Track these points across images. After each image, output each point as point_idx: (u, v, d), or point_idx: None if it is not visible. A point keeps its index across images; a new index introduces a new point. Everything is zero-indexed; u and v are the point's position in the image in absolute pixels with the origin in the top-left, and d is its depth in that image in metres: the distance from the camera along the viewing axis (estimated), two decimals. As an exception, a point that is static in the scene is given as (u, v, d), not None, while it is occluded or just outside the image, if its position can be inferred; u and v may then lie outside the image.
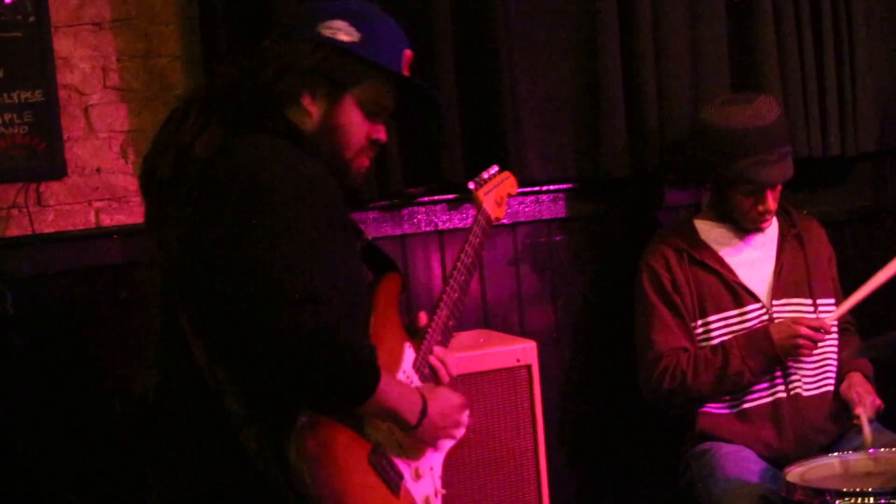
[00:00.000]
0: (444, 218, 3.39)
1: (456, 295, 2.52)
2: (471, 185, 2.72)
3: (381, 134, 2.28)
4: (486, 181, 2.76)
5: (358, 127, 2.23)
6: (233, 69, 2.22)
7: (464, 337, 3.29)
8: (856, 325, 3.38)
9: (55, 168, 2.98)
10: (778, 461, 3.04)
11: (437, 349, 2.45)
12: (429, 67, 3.23)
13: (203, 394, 2.06)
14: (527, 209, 3.50)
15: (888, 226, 3.96)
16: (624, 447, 3.60)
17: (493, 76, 3.31)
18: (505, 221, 3.43)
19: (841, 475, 2.82)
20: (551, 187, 3.53)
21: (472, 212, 3.38)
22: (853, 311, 3.23)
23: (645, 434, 3.56)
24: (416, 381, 2.36)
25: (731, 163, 3.15)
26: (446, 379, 2.45)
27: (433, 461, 2.38)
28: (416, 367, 2.38)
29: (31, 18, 2.96)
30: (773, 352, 3.06)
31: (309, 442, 2.03)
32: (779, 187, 3.22)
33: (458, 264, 2.56)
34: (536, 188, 3.50)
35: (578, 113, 3.50)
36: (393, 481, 2.22)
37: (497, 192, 2.77)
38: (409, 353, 2.37)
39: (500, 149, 3.32)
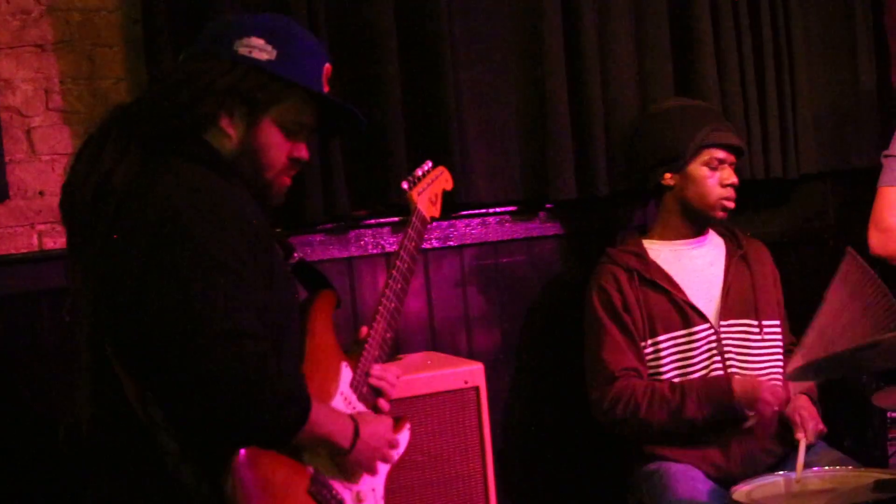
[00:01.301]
0: (391, 240, 3.38)
1: (393, 304, 2.48)
2: (404, 185, 2.66)
3: (302, 152, 2.26)
4: (419, 179, 2.70)
5: (278, 147, 2.21)
6: (150, 91, 2.21)
7: (411, 359, 3.28)
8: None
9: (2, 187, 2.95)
10: (725, 481, 3.05)
11: (376, 368, 2.42)
12: (376, 88, 3.24)
13: (136, 429, 2.04)
14: (473, 231, 3.50)
15: (830, 247, 4.01)
16: (572, 468, 3.60)
17: (439, 98, 3.31)
18: (452, 243, 3.45)
19: (787, 494, 2.84)
20: (498, 209, 3.53)
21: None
22: (796, 332, 3.26)
23: (593, 455, 3.56)
24: (355, 401, 2.35)
25: (690, 134, 3.24)
26: (389, 396, 2.45)
27: (375, 483, 2.37)
28: (354, 386, 2.36)
29: (-27, 40, 2.93)
30: (731, 405, 3.06)
31: (246, 476, 2.01)
32: (734, 176, 3.28)
33: (394, 272, 2.51)
34: (483, 210, 3.51)
35: (525, 135, 3.51)
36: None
37: (431, 189, 2.72)
38: (345, 373, 2.35)
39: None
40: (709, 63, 3.69)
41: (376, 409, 2.43)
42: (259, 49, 2.17)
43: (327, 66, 2.27)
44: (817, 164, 3.92)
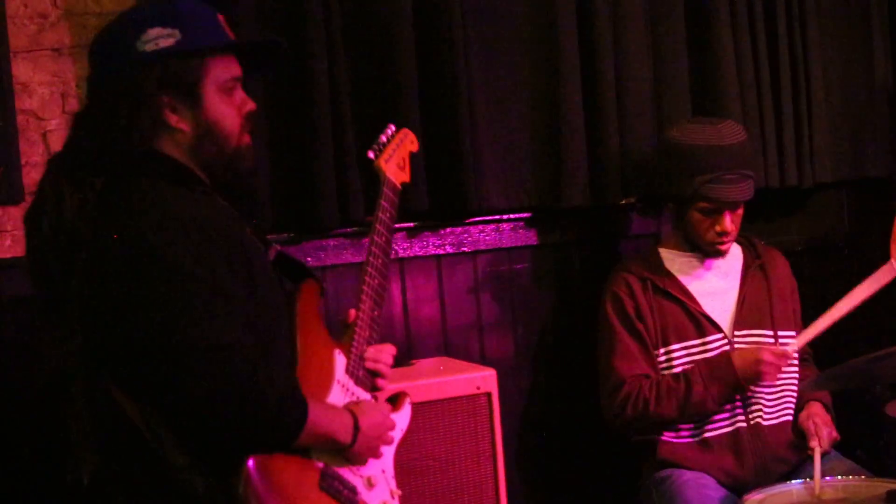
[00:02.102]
0: (405, 245, 3.39)
1: (376, 281, 2.46)
2: (370, 154, 2.60)
3: (249, 105, 2.26)
4: (385, 146, 2.64)
5: (229, 111, 2.21)
6: (82, 130, 2.18)
7: (424, 364, 3.29)
8: (813, 355, 3.40)
9: (13, 193, 2.95)
10: (738, 489, 3.05)
11: (370, 351, 2.43)
12: (392, 97, 3.24)
13: (144, 449, 2.05)
14: (487, 237, 3.51)
15: (845, 255, 4.00)
16: (584, 475, 3.60)
17: (454, 105, 3.31)
18: (465, 249, 3.45)
19: (799, 503, 2.83)
20: (512, 216, 3.53)
21: (432, 239, 3.40)
22: (811, 342, 3.25)
23: (605, 461, 3.56)
24: (352, 386, 2.36)
25: (689, 179, 3.18)
26: (387, 375, 2.46)
27: (384, 464, 2.39)
28: (350, 371, 2.37)
29: (-10, 44, 2.94)
30: (735, 379, 3.06)
31: (258, 483, 2.02)
32: (739, 211, 3.23)
33: (373, 248, 2.48)
34: (497, 217, 3.51)
35: (539, 142, 3.51)
36: (348, 500, 2.22)
37: (398, 154, 2.66)
38: (339, 360, 2.36)
39: (460, 177, 3.32)
40: (726, 72, 3.68)
41: (375, 389, 2.45)
42: (162, 37, 2.14)
43: (220, 15, 2.26)
44: (832, 173, 3.91)
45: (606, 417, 3.21)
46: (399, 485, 2.44)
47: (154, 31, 2.14)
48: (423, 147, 3.28)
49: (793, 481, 2.93)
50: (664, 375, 3.15)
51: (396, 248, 3.37)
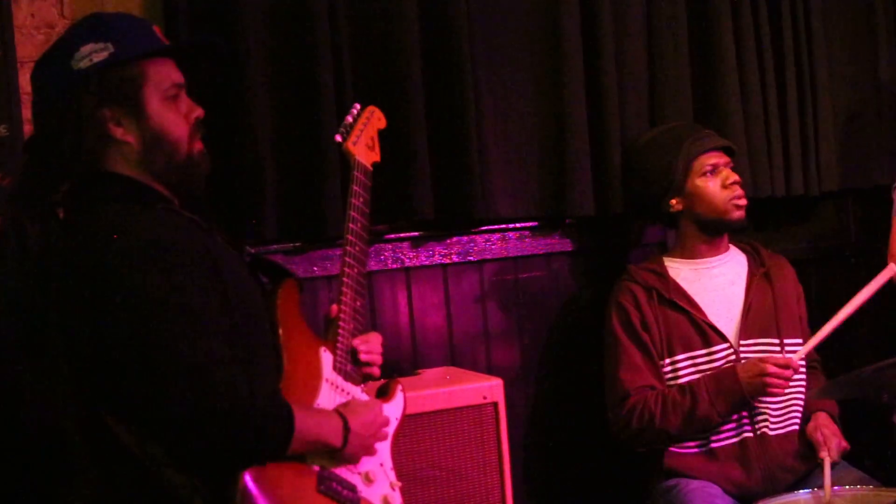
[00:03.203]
0: (411, 255, 3.39)
1: (355, 270, 2.43)
2: (337, 138, 2.53)
3: (197, 111, 2.24)
4: (352, 126, 2.56)
5: (174, 119, 2.19)
6: (31, 161, 2.17)
7: (430, 374, 3.28)
8: (821, 363, 3.40)
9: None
10: (744, 499, 3.05)
11: (358, 343, 2.42)
12: (399, 107, 3.25)
13: (140, 472, 2.05)
14: (493, 246, 3.50)
15: (852, 264, 3.99)
16: (590, 484, 3.59)
17: (460, 115, 3.32)
18: (471, 258, 3.45)
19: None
20: (517, 225, 3.53)
21: (438, 249, 3.40)
22: (818, 349, 3.25)
23: (611, 471, 3.55)
24: (341, 382, 2.35)
25: (677, 151, 3.27)
26: (378, 364, 2.46)
27: (381, 457, 2.38)
28: (337, 368, 2.36)
29: (-3, 53, 2.95)
30: (741, 392, 3.04)
31: (255, 494, 2.02)
32: (734, 174, 3.28)
33: (349, 236, 2.45)
34: (503, 226, 3.51)
35: (545, 152, 3.51)
36: (348, 499, 2.22)
37: (366, 134, 2.59)
38: (326, 358, 2.35)
39: (466, 186, 3.32)
40: (729, 80, 3.68)
41: (367, 378, 2.44)
42: (95, 52, 2.13)
43: (154, 26, 2.25)
44: (839, 182, 3.91)
45: (613, 430, 3.20)
46: (403, 487, 2.44)
47: (87, 48, 2.13)
48: (429, 156, 3.29)
49: (800, 491, 2.92)
50: (670, 388, 3.14)
51: (402, 256, 3.38)
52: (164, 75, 2.19)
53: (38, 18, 3.02)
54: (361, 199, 2.49)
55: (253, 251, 2.38)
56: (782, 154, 3.78)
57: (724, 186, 3.25)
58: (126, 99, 2.14)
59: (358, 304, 2.43)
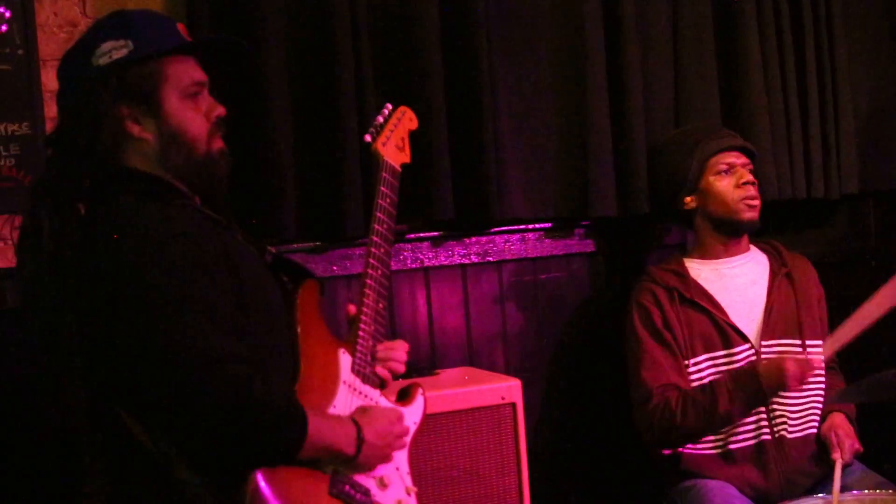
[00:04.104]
0: (430, 255, 3.39)
1: (379, 272, 2.40)
2: (367, 138, 2.51)
3: (219, 109, 2.24)
4: (382, 127, 2.54)
5: (193, 116, 2.19)
6: (54, 147, 2.18)
7: (449, 374, 3.28)
8: (839, 364, 3.39)
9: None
10: (762, 501, 3.04)
11: (381, 350, 2.40)
12: (419, 107, 3.24)
13: (153, 469, 2.05)
14: (512, 247, 3.50)
15: (872, 267, 3.98)
16: (608, 485, 3.59)
17: (479, 114, 3.32)
18: (490, 259, 3.46)
19: (825, 516, 2.82)
20: (537, 225, 3.53)
21: (457, 249, 3.41)
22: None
23: (629, 472, 3.55)
24: (359, 385, 2.32)
25: (691, 153, 3.29)
26: (397, 371, 2.42)
27: (397, 461, 2.35)
28: (356, 370, 2.33)
29: (20, 52, 2.96)
30: (759, 389, 3.02)
31: (267, 494, 2.01)
32: (749, 174, 3.27)
33: (374, 237, 2.42)
34: (522, 226, 3.51)
35: (565, 151, 3.50)
36: (362, 503, 2.21)
37: (396, 135, 2.56)
38: (344, 360, 2.32)
39: (486, 187, 3.32)
40: (753, 82, 3.67)
41: (384, 385, 2.41)
42: (114, 49, 2.14)
43: (180, 24, 2.26)
44: (859, 184, 3.89)
45: (638, 431, 3.19)
46: (419, 496, 2.41)
47: (107, 45, 2.15)
48: (449, 156, 3.29)
49: (818, 495, 2.91)
50: (692, 388, 3.13)
51: (422, 256, 3.38)
52: (183, 73, 2.19)
53: (61, 17, 3.04)
54: (388, 200, 2.46)
55: (274, 251, 2.37)
56: (803, 156, 3.77)
57: (737, 186, 3.25)
58: (144, 96, 2.15)
59: (380, 306, 2.40)
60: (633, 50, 3.52)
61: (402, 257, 3.35)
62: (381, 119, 2.55)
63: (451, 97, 3.31)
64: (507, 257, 3.50)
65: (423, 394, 2.51)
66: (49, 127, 3.00)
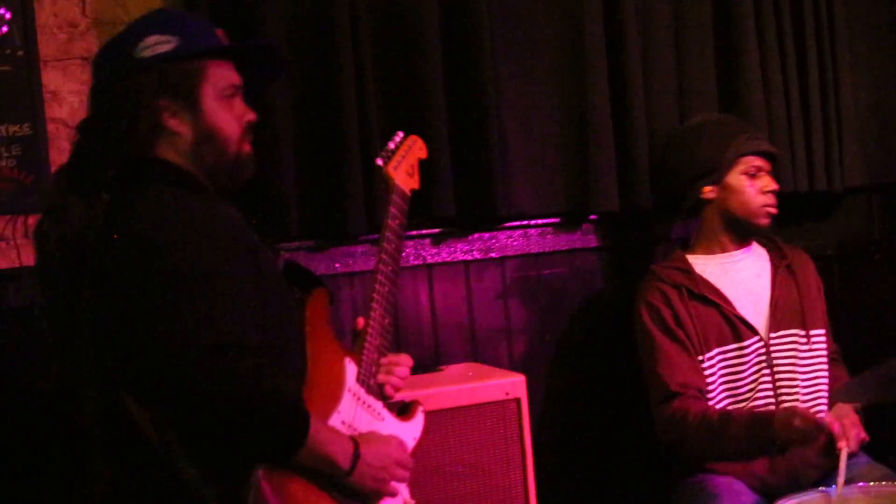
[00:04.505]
0: (433, 252, 3.39)
1: (386, 288, 2.45)
2: (379, 162, 2.57)
3: (249, 115, 2.28)
4: (393, 153, 2.61)
5: (227, 117, 2.23)
6: (84, 139, 2.20)
7: (452, 370, 3.29)
8: (841, 354, 3.38)
9: (43, 201, 2.96)
10: (769, 494, 3.03)
11: (385, 359, 2.42)
12: (420, 103, 3.25)
13: (154, 460, 2.05)
14: (515, 243, 3.50)
15: (875, 260, 3.97)
16: (614, 480, 3.58)
17: (482, 110, 3.32)
18: (493, 255, 3.45)
19: (832, 509, 2.81)
20: (539, 221, 3.53)
21: (459, 245, 3.41)
22: (837, 339, 3.23)
23: (635, 466, 3.54)
24: (363, 395, 2.33)
25: (727, 144, 3.26)
26: (392, 391, 2.43)
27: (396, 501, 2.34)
28: (361, 380, 2.35)
29: (20, 52, 2.97)
30: (770, 437, 2.95)
31: (269, 495, 2.01)
32: (774, 182, 3.27)
33: (383, 255, 2.47)
34: (525, 222, 3.51)
35: (568, 147, 3.50)
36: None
37: (407, 161, 2.63)
38: (350, 369, 2.34)
39: (488, 182, 3.32)
40: (753, 75, 3.67)
41: (385, 398, 2.42)
42: (159, 44, 2.18)
43: (219, 30, 2.30)
44: (862, 177, 3.88)
45: (656, 430, 3.16)
46: (422, 492, 2.42)
47: (152, 38, 2.18)
48: (451, 153, 3.29)
49: (825, 488, 2.90)
50: (711, 411, 3.06)
51: (424, 253, 3.38)
52: (222, 75, 2.24)
53: (61, 18, 3.04)
54: (398, 222, 2.52)
55: (287, 256, 2.39)
56: (805, 149, 3.77)
57: (763, 192, 3.24)
58: (184, 92, 2.19)
59: (387, 321, 2.44)
60: (634, 46, 3.52)
61: (404, 254, 3.35)
62: (392, 145, 2.62)
63: (453, 92, 3.30)
64: (510, 253, 3.50)
65: (423, 411, 2.52)
66: (50, 128, 3.01)
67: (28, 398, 2.92)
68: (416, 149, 2.70)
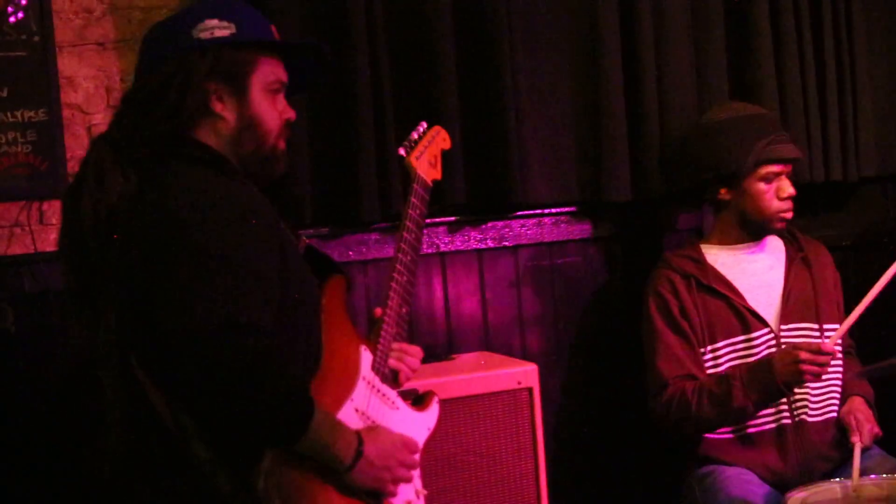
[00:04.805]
0: (446, 240, 3.39)
1: (404, 277, 2.44)
2: (401, 151, 2.56)
3: (290, 113, 2.31)
4: (416, 143, 2.60)
5: (271, 111, 2.26)
6: (129, 109, 2.22)
7: (465, 359, 3.29)
8: (856, 348, 3.37)
9: (58, 187, 2.98)
10: (781, 485, 3.03)
11: (396, 346, 2.41)
12: (433, 90, 3.25)
13: (167, 440, 2.06)
14: (528, 232, 3.50)
15: (891, 251, 3.95)
16: (625, 470, 3.59)
17: (496, 100, 3.31)
18: (507, 244, 3.45)
19: (842, 501, 2.80)
20: (553, 210, 3.53)
21: (473, 234, 3.40)
22: (853, 334, 3.22)
23: (646, 457, 3.54)
24: (378, 383, 2.33)
25: (750, 146, 3.19)
26: (405, 379, 2.43)
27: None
28: (375, 368, 2.34)
29: (36, 38, 2.97)
30: (775, 382, 2.98)
31: (281, 477, 2.01)
32: (791, 186, 3.23)
33: (402, 244, 2.46)
34: (538, 211, 3.50)
35: (581, 137, 3.50)
36: (373, 497, 2.18)
37: (430, 151, 2.62)
38: (365, 356, 2.33)
39: (502, 171, 3.32)
40: (767, 64, 3.65)
41: (399, 385, 2.42)
42: (218, 28, 2.21)
43: (272, 26, 2.32)
44: (878, 168, 3.87)
45: (654, 420, 3.18)
46: (434, 481, 2.41)
47: (211, 22, 2.21)
48: (464, 141, 3.29)
49: (834, 480, 2.90)
50: (708, 377, 3.12)
51: (438, 241, 3.38)
52: (271, 69, 2.27)
53: (76, 3, 3.05)
54: (418, 212, 2.51)
55: (308, 242, 2.39)
56: (821, 140, 3.75)
57: (780, 198, 3.22)
58: (234, 78, 2.21)
59: (404, 310, 2.43)
60: (648, 35, 3.50)
61: (418, 242, 3.35)
62: (415, 135, 2.61)
63: (468, 84, 3.30)
64: (524, 242, 3.50)
65: (438, 402, 2.51)
66: (66, 113, 3.01)
67: (43, 383, 2.94)
68: (440, 139, 2.70)
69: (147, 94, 2.19)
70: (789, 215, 3.24)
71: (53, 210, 3.00)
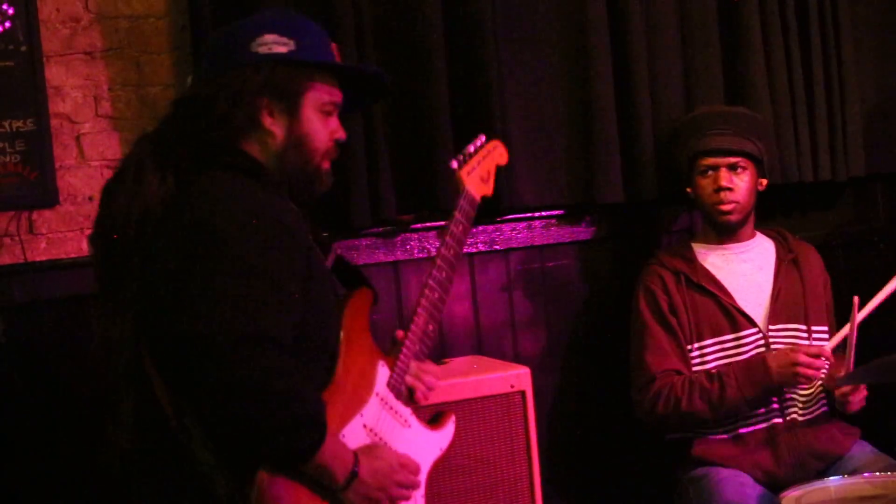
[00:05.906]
0: (437, 244, 3.38)
1: (436, 294, 2.40)
2: (453, 164, 2.53)
3: (341, 133, 2.31)
4: (470, 156, 2.56)
5: (321, 131, 2.26)
6: (179, 113, 2.23)
7: (457, 363, 3.28)
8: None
9: (47, 196, 2.98)
10: (774, 486, 3.03)
11: (413, 364, 2.37)
12: (422, 94, 3.24)
13: (172, 442, 2.06)
14: (519, 235, 3.50)
15: (879, 249, 3.97)
16: (619, 472, 3.59)
17: (485, 101, 3.31)
18: (497, 247, 3.45)
19: (836, 500, 2.81)
20: (543, 213, 3.53)
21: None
22: (841, 328, 3.22)
23: (640, 459, 3.55)
24: (392, 400, 2.31)
25: (686, 144, 3.29)
26: (422, 398, 2.39)
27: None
28: (391, 385, 2.32)
29: (24, 48, 2.96)
30: (771, 382, 3.03)
31: (272, 491, 2.01)
32: (744, 176, 3.22)
33: (439, 260, 2.41)
34: (528, 214, 3.50)
35: (572, 139, 3.49)
36: None
37: (483, 166, 2.58)
38: (382, 372, 2.31)
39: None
40: (757, 65, 3.66)
41: (414, 403, 2.39)
42: (276, 44, 2.21)
43: (333, 43, 2.32)
44: (866, 167, 3.88)
45: (638, 412, 3.20)
46: (428, 486, 2.38)
47: (270, 37, 2.21)
48: (455, 146, 3.28)
49: (830, 478, 2.91)
50: (698, 374, 3.13)
51: (427, 246, 3.37)
52: (326, 90, 2.27)
53: (63, 13, 3.04)
54: (461, 228, 2.47)
55: (339, 253, 2.38)
56: (809, 140, 3.76)
57: (713, 189, 3.23)
58: (287, 95, 2.22)
59: (430, 328, 2.40)
60: (639, 37, 3.51)
61: (408, 247, 3.35)
62: (471, 148, 2.58)
63: (455, 83, 3.29)
64: (514, 245, 3.50)
65: (455, 421, 2.49)
66: (54, 123, 3.00)
67: (32, 394, 2.93)
68: (496, 154, 2.66)
69: (198, 102, 2.20)
70: (726, 207, 3.23)
71: (43, 220, 3.00)
